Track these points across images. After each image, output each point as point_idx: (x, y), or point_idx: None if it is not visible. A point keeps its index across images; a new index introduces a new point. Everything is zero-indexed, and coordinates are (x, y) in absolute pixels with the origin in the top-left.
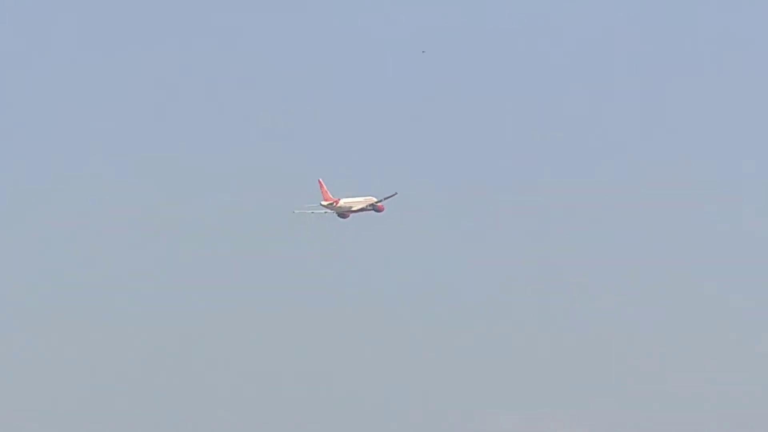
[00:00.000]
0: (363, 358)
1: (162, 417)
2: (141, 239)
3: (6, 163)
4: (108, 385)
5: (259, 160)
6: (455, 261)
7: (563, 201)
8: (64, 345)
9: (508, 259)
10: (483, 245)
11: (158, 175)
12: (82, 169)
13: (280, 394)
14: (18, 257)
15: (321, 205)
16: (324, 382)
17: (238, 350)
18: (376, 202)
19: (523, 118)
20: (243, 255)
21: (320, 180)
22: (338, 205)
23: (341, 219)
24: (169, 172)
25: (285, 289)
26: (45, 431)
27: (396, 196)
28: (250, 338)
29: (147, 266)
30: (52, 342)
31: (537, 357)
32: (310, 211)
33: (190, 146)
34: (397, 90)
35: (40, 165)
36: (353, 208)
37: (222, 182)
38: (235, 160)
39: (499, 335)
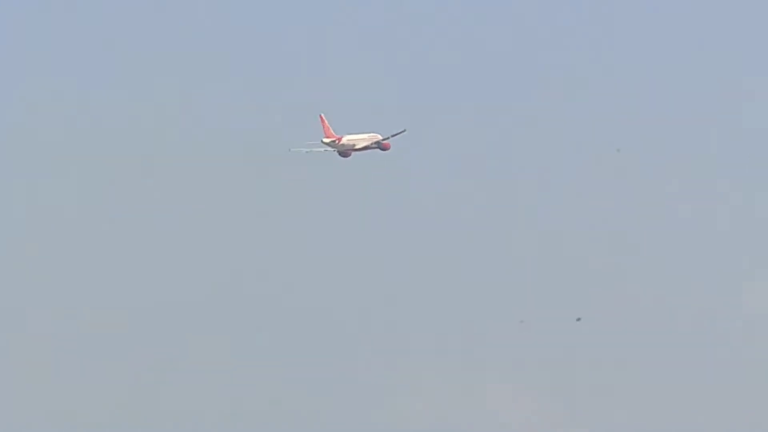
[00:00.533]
0: (361, 310)
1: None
2: (122, 181)
3: None
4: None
5: (253, 93)
6: (464, 207)
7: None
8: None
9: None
10: (494, 191)
11: (143, 110)
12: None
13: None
14: None
15: (322, 142)
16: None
17: (229, 301)
18: (382, 140)
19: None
20: (232, 197)
21: (321, 115)
22: (341, 142)
23: (342, 158)
24: (154, 103)
25: (278, 238)
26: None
27: (404, 133)
28: (240, 290)
29: (132, 211)
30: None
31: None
32: (307, 150)
33: (178, 73)
34: (407, 17)
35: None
36: (356, 146)
37: (210, 116)
38: (226, 92)
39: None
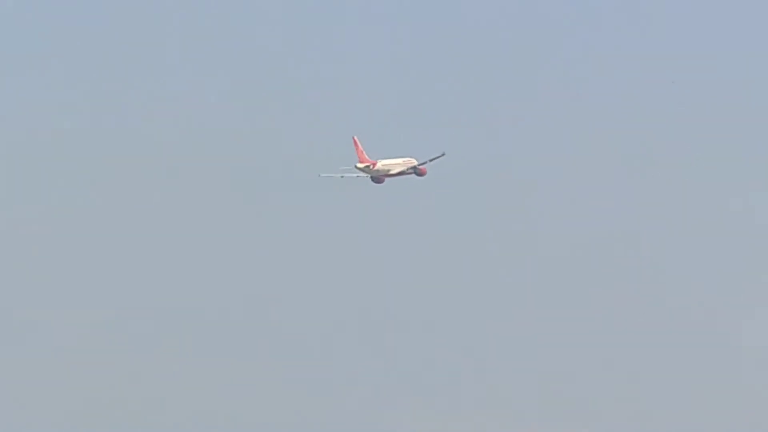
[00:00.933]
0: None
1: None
2: (143, 202)
3: None
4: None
5: (280, 115)
6: (504, 237)
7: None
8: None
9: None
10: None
11: (168, 131)
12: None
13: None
14: None
15: (356, 167)
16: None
17: (252, 332)
18: (419, 165)
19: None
20: (260, 226)
21: (355, 137)
22: (375, 167)
23: (375, 184)
24: (180, 127)
25: (307, 267)
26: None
27: (443, 157)
28: (266, 319)
29: (151, 235)
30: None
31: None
32: (339, 175)
33: (203, 93)
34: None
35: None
36: (391, 172)
37: (237, 141)
38: (252, 113)
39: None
